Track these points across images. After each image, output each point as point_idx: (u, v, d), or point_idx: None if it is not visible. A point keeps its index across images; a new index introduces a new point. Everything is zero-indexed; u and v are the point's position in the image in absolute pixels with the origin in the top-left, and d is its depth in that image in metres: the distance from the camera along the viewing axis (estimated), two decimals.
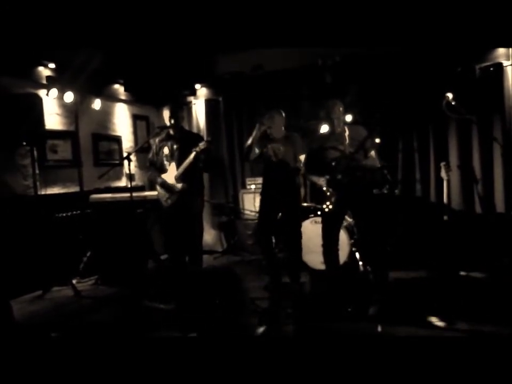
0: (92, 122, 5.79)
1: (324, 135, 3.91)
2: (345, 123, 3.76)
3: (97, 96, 5.67)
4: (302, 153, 4.09)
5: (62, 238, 4.87)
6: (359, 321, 3.34)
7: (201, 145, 3.85)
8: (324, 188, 3.53)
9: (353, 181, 3.50)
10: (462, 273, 3.73)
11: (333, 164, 3.53)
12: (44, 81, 4.96)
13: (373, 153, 3.61)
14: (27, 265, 4.45)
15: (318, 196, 4.85)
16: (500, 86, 4.87)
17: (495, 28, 4.21)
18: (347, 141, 3.56)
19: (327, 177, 3.53)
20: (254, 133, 3.99)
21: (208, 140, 3.96)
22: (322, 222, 3.77)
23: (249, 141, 4.00)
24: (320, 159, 3.67)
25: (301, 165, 4.07)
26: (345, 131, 3.61)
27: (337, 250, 3.73)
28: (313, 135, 4.33)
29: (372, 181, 3.66)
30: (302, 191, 5.57)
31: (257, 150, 4.07)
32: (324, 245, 3.72)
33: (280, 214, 4.21)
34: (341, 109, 3.66)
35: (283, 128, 4.16)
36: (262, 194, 4.22)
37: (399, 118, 5.31)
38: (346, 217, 4.62)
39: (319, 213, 4.59)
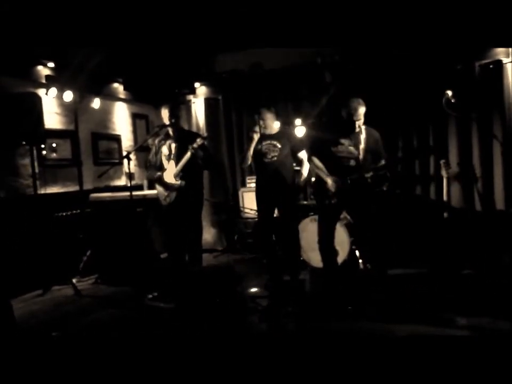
0: (92, 121, 5.78)
1: (341, 127, 3.60)
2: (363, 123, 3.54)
3: (97, 95, 5.66)
4: (302, 149, 4.12)
5: (62, 237, 4.87)
6: (360, 320, 3.33)
7: (198, 141, 3.86)
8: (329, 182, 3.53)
9: (358, 186, 3.50)
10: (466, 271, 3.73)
11: (343, 167, 3.50)
12: (43, 81, 4.95)
13: (382, 161, 3.57)
14: (27, 265, 4.44)
15: (319, 192, 4.85)
16: (499, 84, 4.85)
17: (495, 28, 4.21)
18: (362, 144, 3.47)
19: (334, 178, 3.52)
20: (249, 144, 4.11)
21: (204, 137, 3.97)
22: (319, 218, 3.78)
23: (245, 151, 4.16)
24: (327, 151, 3.58)
25: (302, 160, 4.16)
26: (361, 133, 3.50)
27: (334, 247, 3.72)
28: (333, 123, 4.27)
29: (373, 182, 3.62)
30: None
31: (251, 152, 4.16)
32: (319, 241, 3.71)
33: (276, 210, 4.24)
34: (364, 110, 3.42)
35: (275, 123, 4.20)
36: (256, 192, 4.24)
37: (398, 116, 5.30)
38: (347, 215, 4.62)
39: None
